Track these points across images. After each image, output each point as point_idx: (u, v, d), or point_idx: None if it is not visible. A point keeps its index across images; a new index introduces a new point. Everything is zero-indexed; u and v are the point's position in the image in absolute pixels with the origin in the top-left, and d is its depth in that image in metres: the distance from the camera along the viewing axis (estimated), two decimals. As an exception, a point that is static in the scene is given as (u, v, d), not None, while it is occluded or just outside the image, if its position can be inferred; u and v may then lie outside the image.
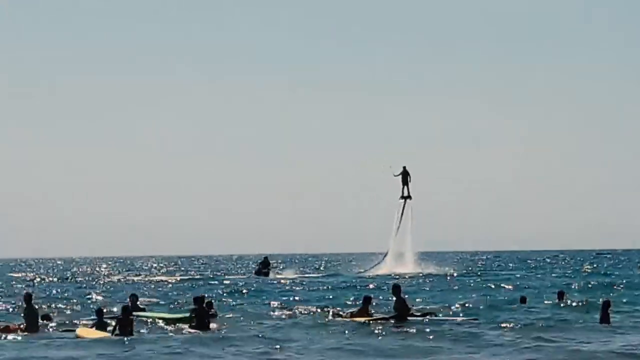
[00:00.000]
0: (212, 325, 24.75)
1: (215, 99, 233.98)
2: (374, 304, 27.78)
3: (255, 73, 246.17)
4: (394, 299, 26.13)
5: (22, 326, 24.03)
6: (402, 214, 65.33)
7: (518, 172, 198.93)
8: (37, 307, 25.77)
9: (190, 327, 24.30)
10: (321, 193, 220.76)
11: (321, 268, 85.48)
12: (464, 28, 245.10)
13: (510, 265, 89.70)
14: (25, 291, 27.17)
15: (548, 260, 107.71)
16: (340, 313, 27.22)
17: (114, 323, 23.33)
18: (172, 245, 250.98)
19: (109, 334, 22.82)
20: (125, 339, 21.98)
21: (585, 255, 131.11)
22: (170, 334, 24.16)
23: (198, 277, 68.10)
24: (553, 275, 60.24)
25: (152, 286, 52.31)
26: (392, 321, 25.23)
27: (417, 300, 34.20)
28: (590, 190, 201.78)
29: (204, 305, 24.94)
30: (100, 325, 23.94)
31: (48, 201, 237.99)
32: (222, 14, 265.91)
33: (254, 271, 69.75)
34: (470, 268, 77.19)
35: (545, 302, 33.03)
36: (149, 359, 19.48)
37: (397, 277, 56.31)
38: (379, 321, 25.21)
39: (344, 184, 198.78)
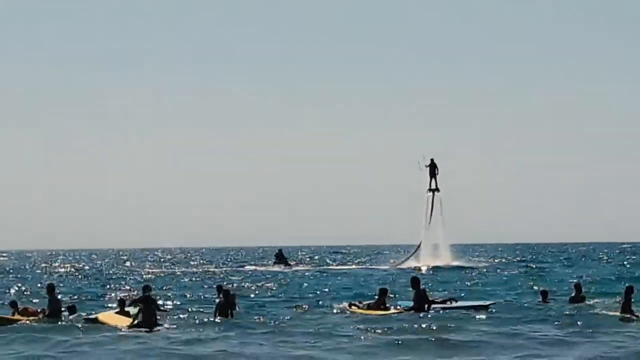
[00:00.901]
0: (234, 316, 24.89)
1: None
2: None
3: (289, 60, 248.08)
4: (413, 291, 26.14)
5: (43, 311, 24.88)
6: (432, 207, 65.06)
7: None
8: (60, 297, 26.56)
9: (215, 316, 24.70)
10: (343, 185, 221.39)
11: (350, 261, 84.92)
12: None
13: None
14: (48, 282, 27.75)
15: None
16: (357, 304, 27.09)
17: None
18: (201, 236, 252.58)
19: (130, 319, 23.47)
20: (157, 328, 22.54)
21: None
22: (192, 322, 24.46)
23: (216, 269, 68.18)
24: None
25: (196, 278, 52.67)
26: (411, 312, 25.21)
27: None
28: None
29: (228, 295, 25.17)
30: (122, 314, 24.47)
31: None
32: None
33: (272, 263, 69.58)
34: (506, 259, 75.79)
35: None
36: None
37: (432, 269, 56.22)
38: (394, 314, 25.06)
39: (368, 176, 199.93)
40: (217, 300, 25.72)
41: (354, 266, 68.56)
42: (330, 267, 69.04)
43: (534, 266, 63.07)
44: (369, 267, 66.31)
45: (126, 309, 24.73)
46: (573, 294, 28.80)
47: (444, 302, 26.80)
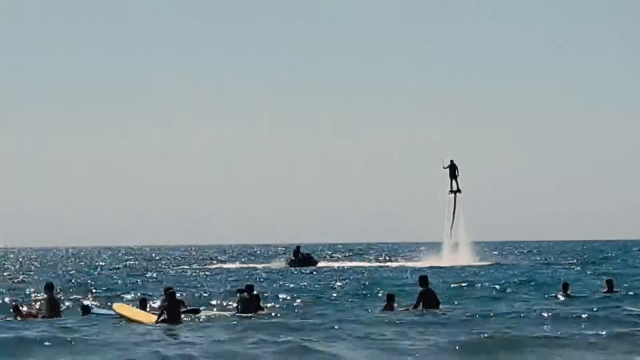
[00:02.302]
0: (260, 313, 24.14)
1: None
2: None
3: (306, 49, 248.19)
4: (420, 289, 24.91)
5: (40, 312, 24.34)
6: (454, 208, 64.89)
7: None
8: (59, 296, 26.22)
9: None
10: (358, 182, 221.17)
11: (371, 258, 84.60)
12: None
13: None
14: (46, 281, 27.11)
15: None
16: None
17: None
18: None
19: (147, 314, 23.21)
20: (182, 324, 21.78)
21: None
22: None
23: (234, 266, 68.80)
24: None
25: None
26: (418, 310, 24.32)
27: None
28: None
29: (252, 293, 24.57)
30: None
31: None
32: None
33: (287, 262, 68.50)
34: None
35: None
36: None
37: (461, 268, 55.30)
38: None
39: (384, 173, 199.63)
40: (240, 296, 24.88)
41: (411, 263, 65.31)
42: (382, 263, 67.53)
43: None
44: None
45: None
46: (605, 290, 29.48)
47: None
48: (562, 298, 28.37)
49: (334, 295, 33.61)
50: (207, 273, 55.82)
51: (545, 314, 22.34)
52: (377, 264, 67.29)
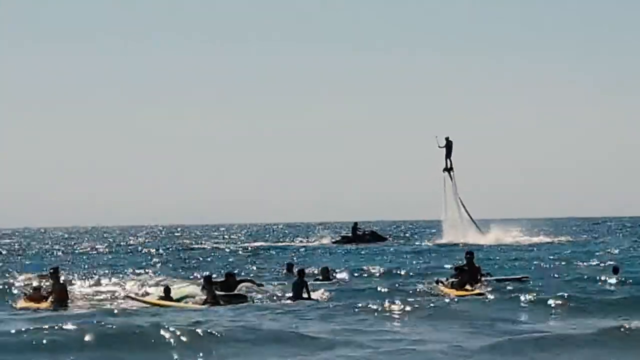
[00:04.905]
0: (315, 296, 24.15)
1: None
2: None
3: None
4: (466, 267, 25.09)
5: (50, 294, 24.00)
6: (454, 186, 64.38)
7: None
8: (63, 281, 25.60)
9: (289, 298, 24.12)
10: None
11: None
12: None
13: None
14: (51, 266, 27.08)
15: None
16: (443, 281, 25.56)
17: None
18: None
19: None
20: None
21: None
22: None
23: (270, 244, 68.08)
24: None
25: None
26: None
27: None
28: None
29: (301, 275, 24.62)
30: (167, 299, 24.27)
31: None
32: None
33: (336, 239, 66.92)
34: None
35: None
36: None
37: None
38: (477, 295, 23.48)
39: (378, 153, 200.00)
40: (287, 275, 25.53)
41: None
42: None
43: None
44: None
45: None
46: None
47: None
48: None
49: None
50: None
51: None
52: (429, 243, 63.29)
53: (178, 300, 24.31)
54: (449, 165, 64.71)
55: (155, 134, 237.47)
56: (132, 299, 25.09)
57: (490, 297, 22.74)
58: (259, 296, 25.36)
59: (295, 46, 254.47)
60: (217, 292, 23.83)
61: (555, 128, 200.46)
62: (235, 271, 29.67)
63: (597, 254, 44.35)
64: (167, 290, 24.80)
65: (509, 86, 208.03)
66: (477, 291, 24.06)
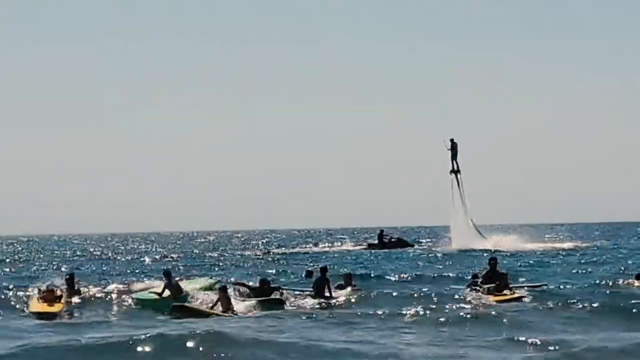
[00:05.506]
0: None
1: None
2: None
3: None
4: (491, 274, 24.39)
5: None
6: (460, 188, 63.15)
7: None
8: (78, 288, 25.27)
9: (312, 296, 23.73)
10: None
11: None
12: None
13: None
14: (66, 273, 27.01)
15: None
16: (477, 287, 24.47)
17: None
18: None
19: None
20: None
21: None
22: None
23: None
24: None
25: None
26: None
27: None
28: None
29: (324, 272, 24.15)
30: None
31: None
32: None
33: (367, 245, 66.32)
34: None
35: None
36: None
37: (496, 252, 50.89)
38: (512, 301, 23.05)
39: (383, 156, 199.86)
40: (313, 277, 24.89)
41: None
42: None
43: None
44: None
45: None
46: None
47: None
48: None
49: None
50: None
51: None
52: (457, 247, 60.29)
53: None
54: (455, 167, 63.61)
55: (155, 134, 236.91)
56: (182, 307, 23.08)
57: (527, 300, 22.77)
58: (292, 299, 24.50)
59: (295, 46, 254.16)
60: (251, 299, 23.02)
61: (558, 129, 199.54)
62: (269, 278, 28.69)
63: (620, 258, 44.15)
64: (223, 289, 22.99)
65: (509, 86, 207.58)
66: (516, 295, 23.55)
